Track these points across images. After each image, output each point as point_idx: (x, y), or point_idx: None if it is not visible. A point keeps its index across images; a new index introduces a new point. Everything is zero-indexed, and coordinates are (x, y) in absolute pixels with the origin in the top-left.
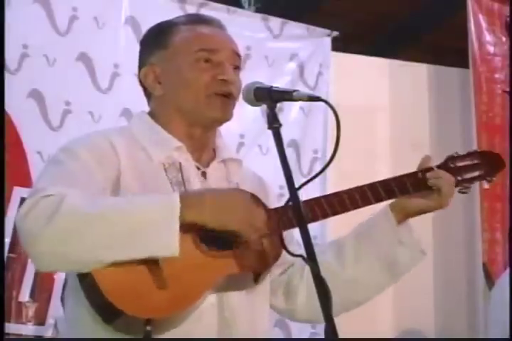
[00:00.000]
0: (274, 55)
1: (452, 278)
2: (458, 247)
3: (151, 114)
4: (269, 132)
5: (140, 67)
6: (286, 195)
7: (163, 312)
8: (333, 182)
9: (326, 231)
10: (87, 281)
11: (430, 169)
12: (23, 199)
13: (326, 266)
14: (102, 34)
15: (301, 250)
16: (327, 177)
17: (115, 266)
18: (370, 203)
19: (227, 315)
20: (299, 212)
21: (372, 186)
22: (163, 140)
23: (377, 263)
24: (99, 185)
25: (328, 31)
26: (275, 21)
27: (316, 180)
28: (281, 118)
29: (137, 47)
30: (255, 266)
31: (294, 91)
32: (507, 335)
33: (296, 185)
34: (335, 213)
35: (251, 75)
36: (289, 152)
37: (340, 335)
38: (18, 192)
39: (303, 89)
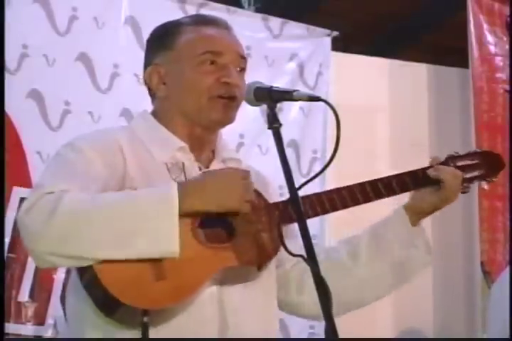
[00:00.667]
0: (274, 55)
1: (451, 278)
2: (457, 247)
3: (154, 113)
4: (269, 132)
5: (145, 66)
6: (286, 195)
7: (161, 303)
8: (333, 182)
9: (325, 230)
10: (87, 273)
11: (430, 167)
12: (22, 199)
13: (340, 265)
14: (101, 34)
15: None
16: (327, 177)
17: None
18: (370, 200)
19: (227, 308)
20: (300, 212)
21: (372, 183)
22: (167, 140)
23: (389, 265)
24: (103, 182)
25: (328, 31)
26: (275, 21)
27: (316, 180)
28: (281, 118)
29: (137, 47)
30: (255, 258)
31: (294, 91)
32: (506, 333)
33: (296, 185)
34: (334, 209)
35: (251, 75)
36: (289, 152)
37: (340, 335)
38: (17, 192)
39: (303, 89)
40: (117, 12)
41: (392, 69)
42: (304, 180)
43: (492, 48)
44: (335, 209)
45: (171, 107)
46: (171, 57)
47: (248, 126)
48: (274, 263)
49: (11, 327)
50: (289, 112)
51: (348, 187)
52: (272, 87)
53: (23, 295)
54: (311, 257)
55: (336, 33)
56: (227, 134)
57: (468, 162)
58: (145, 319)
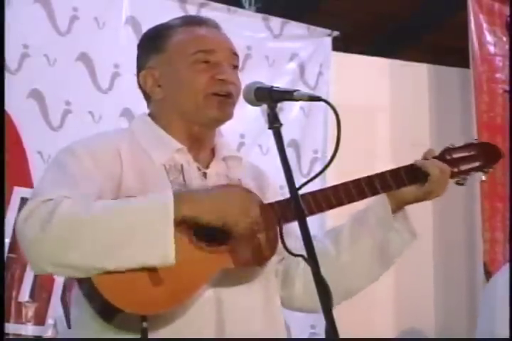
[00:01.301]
0: (275, 55)
1: (453, 278)
2: (458, 247)
3: (152, 115)
4: (270, 132)
5: (138, 70)
6: (286, 195)
7: (159, 307)
8: (334, 182)
9: (325, 230)
10: (85, 281)
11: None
12: (23, 199)
13: (324, 254)
14: (102, 34)
15: (300, 243)
16: (327, 177)
17: None
18: (365, 196)
19: (225, 311)
20: (301, 212)
21: (368, 179)
22: (165, 142)
23: (370, 250)
24: (100, 188)
25: (328, 31)
26: (275, 21)
27: (316, 179)
28: (282, 118)
29: None
30: (251, 261)
31: (295, 91)
32: (493, 333)
33: (296, 185)
34: (331, 206)
35: (251, 75)
36: (289, 152)
37: (341, 335)
38: (18, 192)
39: (303, 89)
40: (118, 12)
41: (393, 69)
42: (304, 180)
43: (492, 48)
44: (331, 207)
45: (168, 109)
46: (163, 59)
47: (249, 126)
48: (274, 261)
49: (11, 327)
50: (290, 112)
51: (342, 184)
52: (272, 87)
53: (24, 295)
54: (311, 257)
55: (336, 33)
56: (228, 134)
57: (465, 154)
58: (144, 324)
